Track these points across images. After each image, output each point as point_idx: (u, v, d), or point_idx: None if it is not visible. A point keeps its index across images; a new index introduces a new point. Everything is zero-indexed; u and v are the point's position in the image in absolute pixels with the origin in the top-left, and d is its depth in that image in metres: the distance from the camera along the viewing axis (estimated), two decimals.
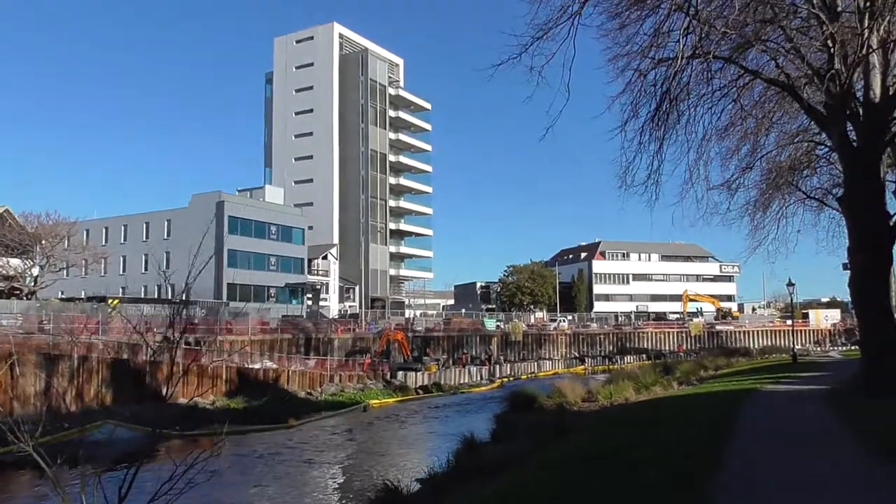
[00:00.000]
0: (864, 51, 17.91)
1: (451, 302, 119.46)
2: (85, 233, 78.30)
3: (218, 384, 34.73)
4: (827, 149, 26.04)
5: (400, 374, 46.14)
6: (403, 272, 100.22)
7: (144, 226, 75.21)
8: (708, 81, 20.28)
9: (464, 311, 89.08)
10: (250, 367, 38.14)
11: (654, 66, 18.25)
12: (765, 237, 26.55)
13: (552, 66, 12.87)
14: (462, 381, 50.74)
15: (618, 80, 16.35)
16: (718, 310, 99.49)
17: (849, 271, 19.89)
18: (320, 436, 27.95)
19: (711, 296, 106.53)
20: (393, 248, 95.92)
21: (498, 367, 57.67)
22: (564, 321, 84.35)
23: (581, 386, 30.44)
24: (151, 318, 47.78)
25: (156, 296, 70.70)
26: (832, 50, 18.32)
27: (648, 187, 17.40)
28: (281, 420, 29.96)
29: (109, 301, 50.83)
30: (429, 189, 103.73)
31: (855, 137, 19.69)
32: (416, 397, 42.70)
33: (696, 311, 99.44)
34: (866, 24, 17.47)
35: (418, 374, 47.08)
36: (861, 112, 19.73)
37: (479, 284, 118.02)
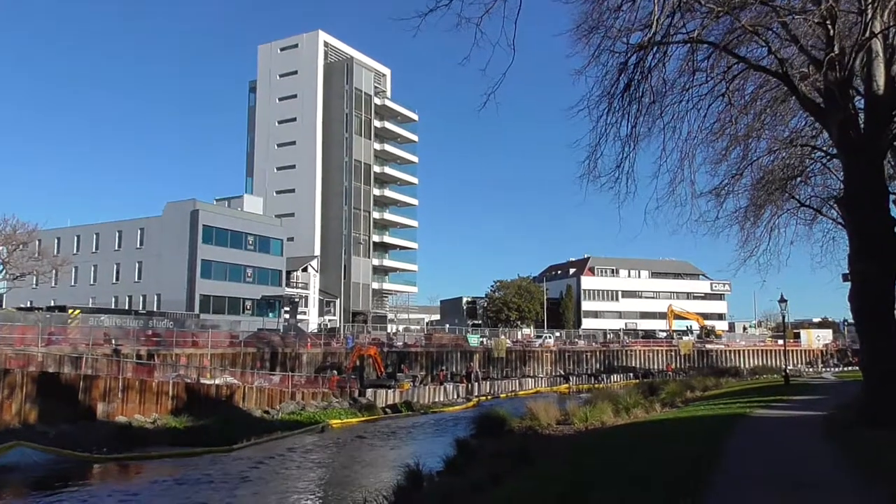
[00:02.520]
0: (866, 34, 15.85)
1: (438, 317, 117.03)
2: (56, 241, 76.01)
3: (163, 401, 32.03)
4: (823, 154, 24.12)
5: (369, 391, 43.47)
6: (387, 286, 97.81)
7: (117, 234, 72.66)
8: (692, 73, 18.22)
9: (447, 326, 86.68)
10: (202, 382, 35.51)
11: (628, 49, 16.10)
12: (756, 247, 24.42)
13: (494, 20, 10.59)
14: (437, 400, 48.03)
15: (583, 52, 14.00)
16: (702, 327, 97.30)
17: (849, 283, 17.76)
18: (259, 461, 25.24)
19: (701, 314, 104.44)
20: (376, 261, 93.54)
21: (477, 384, 55.06)
22: (550, 338, 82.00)
23: (556, 407, 28.12)
24: (109, 329, 45.56)
25: (127, 306, 68.35)
26: (831, 31, 16.24)
27: (619, 178, 15.04)
28: (225, 441, 27.28)
29: (70, 311, 48.49)
30: (414, 201, 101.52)
31: (852, 138, 17.64)
32: (382, 417, 39.80)
33: (686, 328, 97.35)
34: (869, 2, 15.44)
35: (390, 391, 44.42)
36: (864, 105, 17.76)
37: (465, 299, 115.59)
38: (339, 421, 36.04)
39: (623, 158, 14.85)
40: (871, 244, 15.89)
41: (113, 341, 40.78)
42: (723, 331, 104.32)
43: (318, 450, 28.26)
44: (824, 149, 23.84)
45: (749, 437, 15.48)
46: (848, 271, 17.35)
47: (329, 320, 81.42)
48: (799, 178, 25.59)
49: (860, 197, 16.25)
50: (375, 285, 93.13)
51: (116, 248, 72.48)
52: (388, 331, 77.15)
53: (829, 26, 16.16)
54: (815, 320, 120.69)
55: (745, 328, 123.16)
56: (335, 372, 46.96)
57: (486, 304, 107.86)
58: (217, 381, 36.93)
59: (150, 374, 34.32)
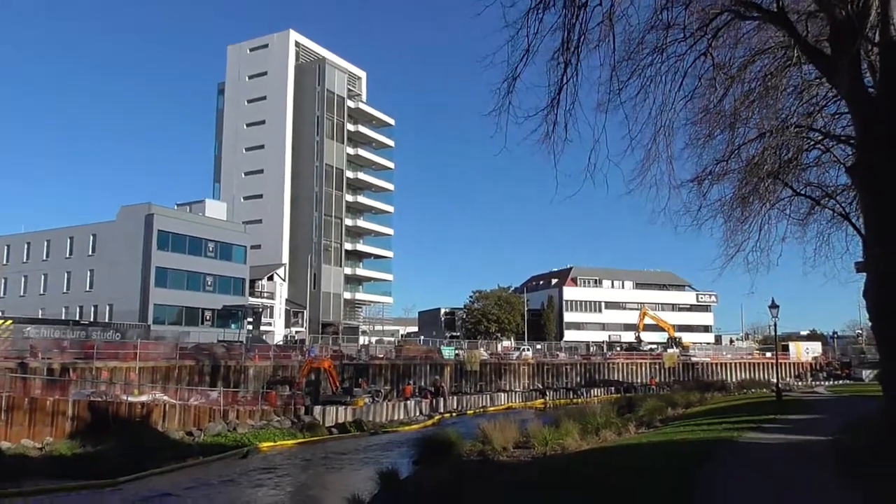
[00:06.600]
0: None
1: (416, 329, 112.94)
2: (5, 249, 71.87)
3: (60, 422, 27.85)
4: (822, 136, 20.64)
5: (318, 409, 39.20)
6: (360, 296, 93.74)
7: (68, 241, 68.27)
8: (666, 28, 14.60)
9: (422, 338, 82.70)
10: (113, 400, 31.28)
11: None
12: (745, 240, 20.75)
13: None
14: (395, 418, 43.74)
15: None
16: (670, 337, 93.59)
17: (861, 275, 14.17)
18: (140, 501, 21.14)
19: (686, 325, 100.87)
20: (349, 270, 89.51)
21: (443, 400, 50.97)
22: (528, 350, 78.16)
23: (516, 427, 24.27)
24: (38, 341, 41.29)
25: (77, 317, 64.04)
26: None
27: (557, 119, 11.05)
28: (127, 469, 23.10)
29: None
30: (390, 208, 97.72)
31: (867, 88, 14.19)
32: (324, 438, 35.43)
33: (671, 339, 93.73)
34: None
35: (342, 409, 40.19)
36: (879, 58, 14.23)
37: (443, 311, 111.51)
38: (271, 444, 31.75)
39: (558, 89, 10.89)
40: (894, 222, 12.26)
41: (39, 354, 36.71)
42: (691, 342, 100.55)
43: (220, 483, 23.97)
44: (824, 130, 20.49)
45: (736, 475, 11.72)
46: (863, 259, 13.62)
47: (297, 332, 77.24)
48: (793, 165, 22.03)
49: (880, 162, 12.63)
50: (347, 295, 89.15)
51: (68, 255, 68.16)
52: (360, 342, 73.12)
53: None
54: (803, 333, 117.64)
55: (731, 341, 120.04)
56: (288, 387, 42.87)
57: (464, 316, 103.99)
58: (143, 398, 32.79)
59: (64, 391, 30.24)
